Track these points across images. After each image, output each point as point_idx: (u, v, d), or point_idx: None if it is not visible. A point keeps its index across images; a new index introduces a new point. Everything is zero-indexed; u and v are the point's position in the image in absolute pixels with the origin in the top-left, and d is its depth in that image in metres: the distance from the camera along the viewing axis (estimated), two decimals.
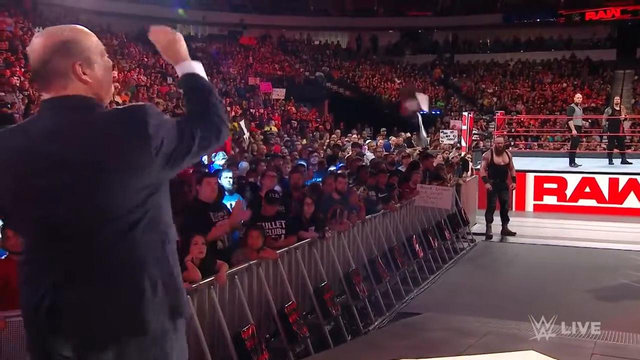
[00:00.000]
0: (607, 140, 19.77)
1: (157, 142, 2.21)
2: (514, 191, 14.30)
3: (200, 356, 5.67)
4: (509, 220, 13.29)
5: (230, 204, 7.34)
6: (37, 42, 2.27)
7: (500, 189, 13.09)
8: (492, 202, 13.14)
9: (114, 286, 2.25)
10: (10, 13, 29.47)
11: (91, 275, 2.24)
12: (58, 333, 2.24)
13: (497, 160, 13.07)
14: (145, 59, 32.53)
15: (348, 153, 16.84)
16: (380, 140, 22.07)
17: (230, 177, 9.51)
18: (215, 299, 5.97)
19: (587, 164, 17.31)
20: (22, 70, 21.89)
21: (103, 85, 2.35)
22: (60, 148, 2.17)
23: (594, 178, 15.78)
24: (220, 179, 9.07)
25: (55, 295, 2.22)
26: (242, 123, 18.33)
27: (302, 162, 12.59)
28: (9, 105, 17.85)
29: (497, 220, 13.23)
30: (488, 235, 13.21)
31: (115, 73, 27.94)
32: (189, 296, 5.58)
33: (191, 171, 9.77)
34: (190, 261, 5.79)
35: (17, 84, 19.99)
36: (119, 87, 25.94)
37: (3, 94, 18.71)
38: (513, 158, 13.77)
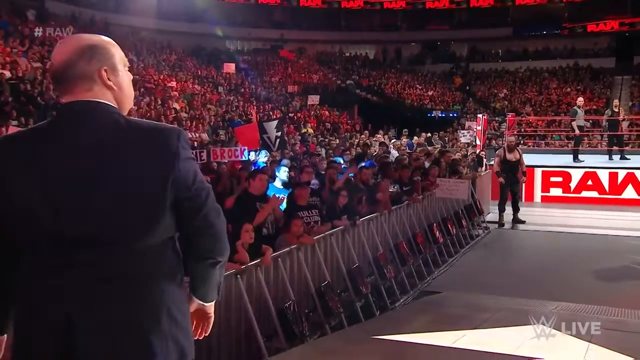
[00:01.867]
0: (607, 139, 19.55)
1: (177, 170, 1.92)
2: (523, 184, 14.14)
3: (248, 328, 5.72)
4: (519, 210, 13.14)
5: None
6: (62, 46, 2.00)
7: (512, 182, 12.95)
8: (504, 193, 12.99)
9: (127, 319, 1.87)
10: (80, 32, 29.92)
11: (108, 302, 1.85)
12: None
13: (509, 156, 12.95)
14: (199, 71, 32.88)
15: (375, 151, 16.83)
16: (404, 140, 22.04)
17: (287, 171, 9.62)
18: (262, 279, 6.01)
19: (589, 159, 17.08)
20: None
21: (125, 94, 2.07)
22: (84, 154, 1.86)
23: (595, 172, 15.58)
24: (278, 172, 9.27)
25: (69, 332, 1.82)
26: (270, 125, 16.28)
27: (338, 159, 12.71)
28: None
29: (508, 210, 13.10)
30: (500, 223, 13.04)
31: (174, 83, 28.37)
32: (239, 276, 5.66)
33: (239, 167, 9.89)
34: (240, 245, 5.86)
35: None
36: (177, 95, 26.26)
37: None
38: (523, 155, 13.60)
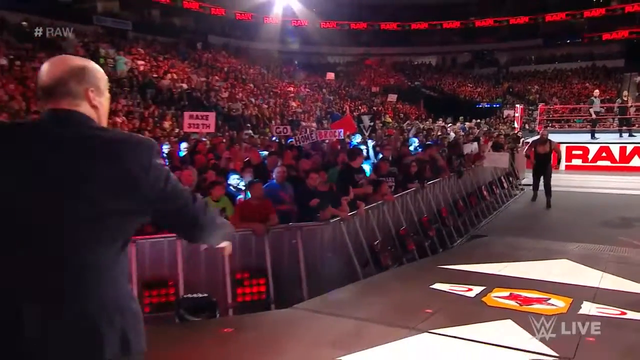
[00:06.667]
0: (618, 121, 18.31)
1: (151, 179, 1.51)
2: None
3: (348, 259, 5.82)
4: (551, 195, 10.60)
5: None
6: (53, 65, 1.57)
7: (544, 173, 10.56)
8: (537, 180, 10.78)
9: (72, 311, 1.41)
10: (230, 55, 30.96)
11: (55, 292, 1.40)
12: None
13: (540, 149, 10.58)
14: (309, 79, 33.22)
15: (438, 133, 16.47)
16: (459, 125, 21.41)
17: (366, 149, 9.68)
18: (357, 224, 6.10)
19: (603, 137, 15.98)
20: (241, 89, 23.02)
21: (105, 114, 1.66)
22: (57, 155, 1.45)
23: (608, 147, 14.54)
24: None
25: (24, 312, 1.37)
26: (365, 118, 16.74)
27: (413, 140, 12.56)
28: (233, 111, 18.85)
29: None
30: (533, 197, 10.93)
31: (292, 88, 28.78)
32: (342, 222, 5.74)
33: (339, 146, 9.90)
34: (345, 201, 5.99)
35: (238, 97, 21.01)
36: (294, 96, 26.61)
37: (231, 103, 19.74)
38: (551, 135, 11.65)
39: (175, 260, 5.20)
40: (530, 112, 27.10)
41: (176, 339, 3.96)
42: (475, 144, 12.43)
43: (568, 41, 38.60)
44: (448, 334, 3.63)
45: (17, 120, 1.58)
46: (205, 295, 4.71)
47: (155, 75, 20.04)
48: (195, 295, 4.72)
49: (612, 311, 4.13)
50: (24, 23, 18.61)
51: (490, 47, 41.47)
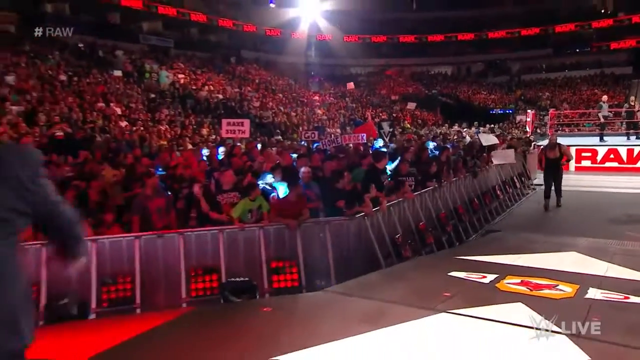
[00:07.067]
0: (625, 125, 17.92)
1: (36, 187, 1.48)
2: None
3: (372, 250, 5.94)
4: (561, 196, 10.20)
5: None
6: None
7: (555, 177, 10.02)
8: (548, 185, 10.11)
9: None
10: (261, 68, 31.32)
11: None
12: None
13: (550, 154, 10.04)
14: (333, 88, 33.42)
15: (454, 137, 16.44)
16: (473, 129, 21.28)
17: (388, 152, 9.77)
18: (380, 219, 6.21)
19: (611, 140, 15.65)
20: (271, 98, 23.30)
21: None
22: None
23: (616, 149, 14.23)
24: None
25: None
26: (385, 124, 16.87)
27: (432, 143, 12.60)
28: (264, 118, 19.15)
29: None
30: (545, 207, 10.01)
31: (317, 97, 28.98)
32: (366, 217, 5.87)
33: (362, 149, 10.03)
34: (369, 198, 6.12)
35: (268, 106, 21.31)
36: (319, 104, 26.79)
37: (262, 111, 20.05)
38: (562, 138, 11.50)
39: (217, 250, 5.44)
40: (541, 117, 26.70)
41: (221, 318, 4.17)
42: (490, 133, 12.42)
43: (577, 50, 37.93)
44: (464, 314, 3.75)
45: None
46: (247, 279, 4.96)
47: (194, 87, 20.54)
48: (238, 279, 4.97)
49: (616, 296, 4.17)
50: (80, 45, 19.29)
51: (502, 56, 40.96)
